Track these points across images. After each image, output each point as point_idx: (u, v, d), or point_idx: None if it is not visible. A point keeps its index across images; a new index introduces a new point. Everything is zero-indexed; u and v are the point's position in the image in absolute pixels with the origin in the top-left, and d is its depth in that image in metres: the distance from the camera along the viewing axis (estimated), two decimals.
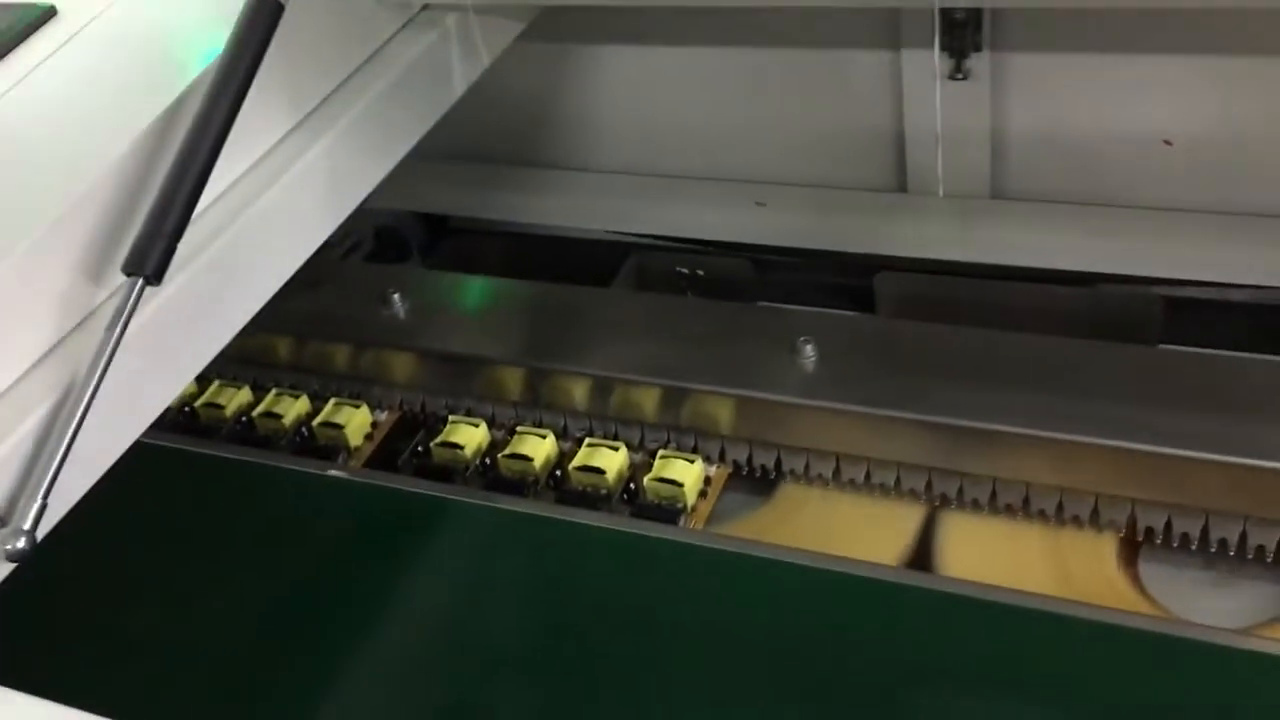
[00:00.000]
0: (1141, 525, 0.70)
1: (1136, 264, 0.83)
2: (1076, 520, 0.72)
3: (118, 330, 0.50)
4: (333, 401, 0.88)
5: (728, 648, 0.66)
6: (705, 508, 0.78)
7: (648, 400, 0.80)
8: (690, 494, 0.77)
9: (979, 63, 0.82)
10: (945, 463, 0.73)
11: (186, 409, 0.92)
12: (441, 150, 1.03)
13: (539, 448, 0.82)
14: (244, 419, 0.91)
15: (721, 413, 0.78)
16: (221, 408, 0.91)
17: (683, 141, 0.97)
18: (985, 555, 0.72)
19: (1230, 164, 0.82)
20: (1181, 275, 0.83)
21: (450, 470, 0.84)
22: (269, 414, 0.89)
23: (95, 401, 0.49)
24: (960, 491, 0.74)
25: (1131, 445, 0.67)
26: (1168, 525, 0.69)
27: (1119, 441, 0.68)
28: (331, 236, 1.06)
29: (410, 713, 0.67)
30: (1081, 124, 0.84)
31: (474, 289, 0.93)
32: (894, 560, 0.73)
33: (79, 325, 0.54)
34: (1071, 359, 0.75)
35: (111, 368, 0.49)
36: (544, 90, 0.99)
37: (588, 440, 0.81)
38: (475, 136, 1.03)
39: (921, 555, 0.74)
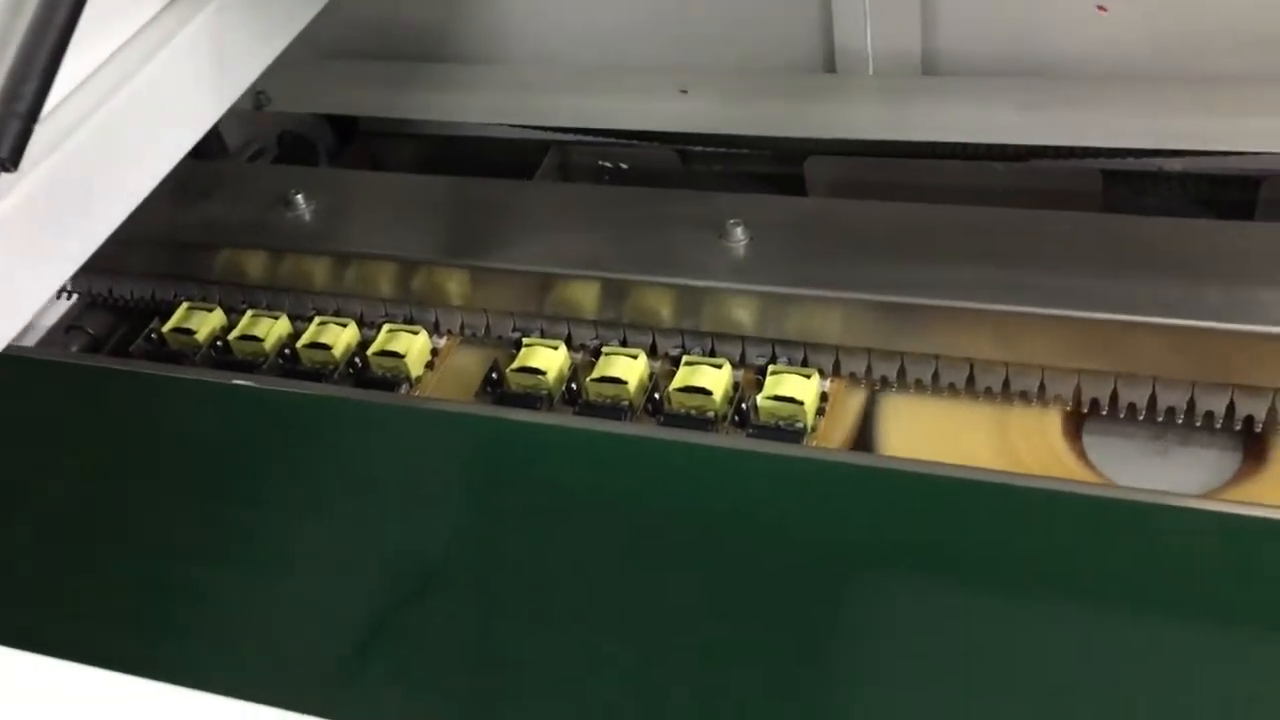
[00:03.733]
0: (1087, 397, 0.68)
1: (1072, 135, 0.80)
2: (1023, 396, 0.70)
3: None
4: (386, 328, 0.81)
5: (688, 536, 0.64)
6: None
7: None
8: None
9: None
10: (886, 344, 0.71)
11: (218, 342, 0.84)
12: (346, 48, 0.97)
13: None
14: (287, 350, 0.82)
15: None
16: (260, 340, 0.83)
17: (598, 28, 0.92)
18: (928, 436, 0.70)
19: (1165, 27, 0.79)
20: (1118, 145, 0.80)
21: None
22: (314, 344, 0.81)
23: None
24: (901, 372, 0.71)
25: (1075, 313, 0.65)
26: (1114, 396, 0.67)
27: (1063, 310, 0.66)
28: (232, 142, 1.02)
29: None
30: None
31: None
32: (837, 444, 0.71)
33: None
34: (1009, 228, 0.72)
35: None
36: None
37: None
38: (381, 32, 0.97)
39: (863, 439, 0.71)
